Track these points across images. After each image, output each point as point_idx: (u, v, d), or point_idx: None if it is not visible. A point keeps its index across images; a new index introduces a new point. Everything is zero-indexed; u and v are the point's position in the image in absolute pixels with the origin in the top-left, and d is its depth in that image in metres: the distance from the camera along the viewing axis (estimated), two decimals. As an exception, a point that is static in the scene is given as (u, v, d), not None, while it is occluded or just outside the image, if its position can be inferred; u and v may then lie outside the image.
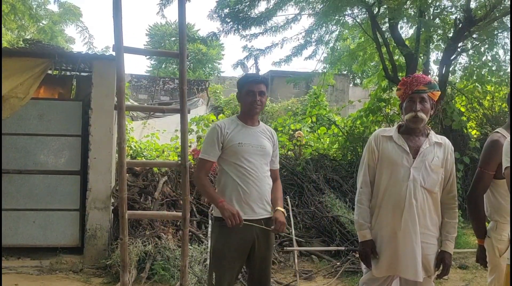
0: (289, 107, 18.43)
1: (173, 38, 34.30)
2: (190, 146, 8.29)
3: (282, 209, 3.36)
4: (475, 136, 9.45)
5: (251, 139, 3.31)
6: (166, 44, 35.70)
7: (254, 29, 8.56)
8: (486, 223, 3.23)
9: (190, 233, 6.00)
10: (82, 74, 6.95)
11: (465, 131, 8.94)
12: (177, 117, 3.10)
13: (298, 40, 9.05)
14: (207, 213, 6.68)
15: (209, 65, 38.35)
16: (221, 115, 10.55)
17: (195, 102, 17.49)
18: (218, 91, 21.86)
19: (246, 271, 3.46)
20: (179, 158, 3.14)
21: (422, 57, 8.29)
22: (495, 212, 3.13)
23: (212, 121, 9.33)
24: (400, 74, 8.29)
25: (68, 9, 15.46)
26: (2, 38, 12.24)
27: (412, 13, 7.83)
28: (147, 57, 41.26)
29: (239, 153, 3.24)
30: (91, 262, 5.90)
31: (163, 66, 36.79)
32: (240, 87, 3.38)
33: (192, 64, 35.78)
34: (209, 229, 6.16)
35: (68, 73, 7.21)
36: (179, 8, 2.84)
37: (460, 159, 8.10)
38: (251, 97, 3.29)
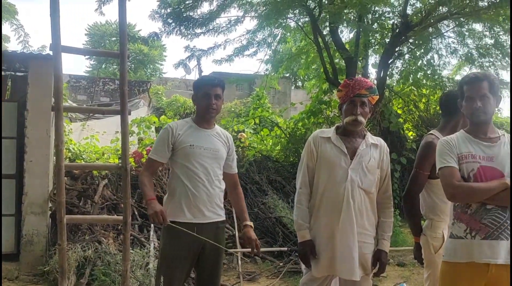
0: (232, 109, 18.42)
1: (113, 38, 33.56)
2: (131, 148, 8.12)
3: (250, 223, 3.37)
4: (411, 137, 9.79)
5: (204, 141, 3.28)
6: (106, 44, 34.87)
7: (197, 30, 8.51)
8: (422, 222, 3.35)
9: (132, 237, 5.88)
10: (18, 74, 6.67)
11: (402, 132, 9.26)
12: (117, 118, 3.04)
13: (241, 41, 9.08)
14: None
15: (151, 66, 37.73)
16: (163, 116, 10.39)
17: (136, 103, 17.16)
18: (160, 92, 21.54)
19: (195, 274, 3.43)
20: (120, 161, 3.07)
21: (361, 61, 8.51)
22: (430, 211, 3.25)
23: (154, 122, 9.19)
24: (341, 77, 8.47)
25: (2, 7, 14.83)
26: None
27: (352, 17, 8.02)
28: (86, 57, 40.10)
29: (190, 155, 3.20)
30: (27, 269, 5.66)
31: (103, 66, 35.88)
32: (196, 89, 3.33)
33: (133, 65, 35.09)
34: (151, 233, 6.07)
35: (2, 72, 6.90)
36: (120, 7, 2.78)
37: (398, 159, 8.36)
38: (206, 100, 3.26)
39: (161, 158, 3.27)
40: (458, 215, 2.73)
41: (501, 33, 7.92)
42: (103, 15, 7.70)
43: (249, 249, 3.43)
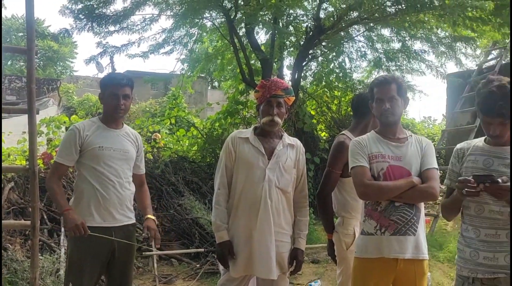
0: (147, 109, 18.04)
1: (20, 34, 31.72)
2: (39, 149, 7.71)
3: (153, 217, 3.30)
4: (324, 137, 10.09)
5: (113, 142, 3.17)
6: (12, 40, 32.88)
7: (110, 28, 8.22)
8: (335, 219, 3.45)
9: (41, 243, 5.58)
10: None
11: (316, 133, 9.51)
12: (24, 118, 2.85)
13: (156, 39, 8.89)
14: (59, 220, 6.27)
15: (61, 64, 36.05)
16: (73, 116, 9.96)
17: (45, 102, 16.34)
18: (70, 91, 20.65)
19: (105, 280, 3.31)
20: (27, 163, 2.89)
21: (276, 62, 8.63)
22: (341, 208, 3.35)
23: (64, 122, 8.78)
24: (257, 78, 8.55)
25: None
26: None
27: (267, 19, 8.12)
28: (-10, 52, 37.53)
29: (99, 157, 3.08)
30: None
31: (9, 63, 33.83)
32: (103, 88, 3.20)
33: (41, 62, 33.34)
34: (62, 237, 5.79)
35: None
36: (27, 1, 2.63)
37: (311, 159, 8.57)
38: (114, 100, 3.14)
39: (68, 162, 3.12)
40: (368, 212, 2.84)
41: (407, 38, 8.35)
42: (4, 8, 7.23)
43: (165, 252, 3.37)
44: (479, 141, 2.53)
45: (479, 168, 2.38)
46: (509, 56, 10.63)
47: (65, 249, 5.48)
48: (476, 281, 2.39)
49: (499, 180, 2.20)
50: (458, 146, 2.61)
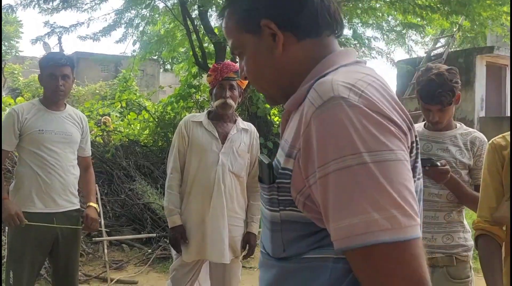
0: (97, 91, 17.60)
1: (-41, 10, 30.22)
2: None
3: (95, 205, 3.22)
4: (277, 122, 10.13)
5: (54, 125, 3.05)
6: (-49, 16, 31.29)
7: (57, 4, 7.90)
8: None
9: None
10: None
11: (269, 117, 9.53)
12: (-36, 100, 2.73)
13: (106, 20, 8.65)
14: None
15: (6, 43, 34.64)
16: (19, 98, 9.60)
17: (-12, 83, 15.69)
18: (16, 72, 19.88)
19: (50, 266, 3.22)
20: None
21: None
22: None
23: (10, 104, 8.45)
24: (210, 61, 8.48)
25: None
26: None
27: (221, 2, 8.03)
28: None
29: (39, 141, 2.96)
30: None
31: None
32: (42, 68, 3.07)
33: (-16, 41, 31.98)
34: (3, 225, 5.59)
35: None
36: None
37: (265, 144, 8.60)
38: (53, 81, 3.02)
39: (7, 146, 3.00)
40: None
41: (359, 24, 8.47)
42: None
43: (116, 237, 3.31)
44: (419, 127, 2.60)
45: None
46: (456, 44, 10.97)
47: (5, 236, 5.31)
48: None
49: (438, 163, 2.28)
50: None
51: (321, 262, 0.97)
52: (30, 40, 8.43)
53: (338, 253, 0.90)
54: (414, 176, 0.97)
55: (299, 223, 1.00)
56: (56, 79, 3.01)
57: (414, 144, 0.98)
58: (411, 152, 0.97)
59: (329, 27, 1.10)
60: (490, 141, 2.10)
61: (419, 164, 1.03)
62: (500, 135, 2.06)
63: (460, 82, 2.43)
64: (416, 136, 1.00)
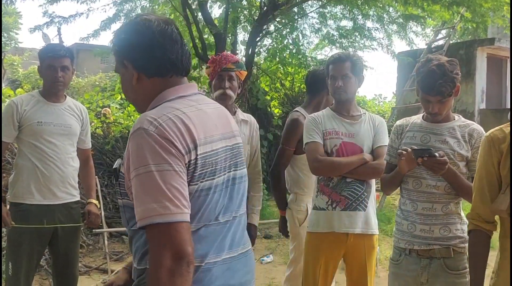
0: (97, 83, 17.54)
1: (-41, 1, 30.07)
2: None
3: (95, 201, 3.23)
4: (277, 114, 10.11)
5: (54, 117, 3.04)
6: (-50, 8, 31.14)
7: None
8: (287, 195, 3.48)
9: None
10: None
11: (269, 109, 9.52)
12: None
13: (106, 11, 8.59)
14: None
15: (5, 35, 34.50)
16: (19, 89, 9.57)
17: (-13, 74, 15.64)
18: (15, 64, 19.82)
19: (50, 257, 3.23)
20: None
21: (230, 37, 8.54)
22: (294, 185, 3.37)
23: (9, 96, 8.42)
24: (210, 52, 8.43)
25: None
26: None
27: (221, -7, 7.99)
28: None
29: (38, 133, 2.96)
30: None
31: None
32: (41, 60, 3.06)
33: (-17, 32, 31.85)
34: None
35: None
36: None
37: (265, 136, 8.60)
38: (52, 73, 3.01)
39: (6, 138, 3.00)
40: (321, 188, 2.88)
41: (359, 16, 8.42)
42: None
43: (116, 229, 3.32)
44: (417, 118, 2.60)
45: (417, 144, 2.45)
46: (457, 35, 10.92)
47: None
48: (412, 252, 2.48)
49: (436, 154, 2.28)
50: (398, 122, 2.67)
51: (140, 231, 1.46)
52: (29, 29, 8.36)
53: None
54: (199, 180, 1.45)
55: (130, 208, 1.47)
56: (55, 70, 3.00)
57: (194, 161, 1.44)
58: (189, 166, 1.43)
59: (176, 71, 1.58)
60: (486, 134, 2.09)
61: (205, 172, 1.47)
62: (498, 127, 2.06)
63: (460, 73, 2.42)
64: (198, 155, 1.44)
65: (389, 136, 2.85)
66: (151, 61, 1.54)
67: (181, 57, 1.58)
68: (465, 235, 2.45)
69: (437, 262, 2.42)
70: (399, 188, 2.60)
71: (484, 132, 2.42)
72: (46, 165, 2.98)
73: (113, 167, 1.69)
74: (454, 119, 2.53)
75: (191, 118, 1.47)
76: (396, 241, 2.56)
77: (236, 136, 1.69)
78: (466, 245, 2.45)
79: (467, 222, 2.50)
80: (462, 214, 2.51)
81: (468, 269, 2.43)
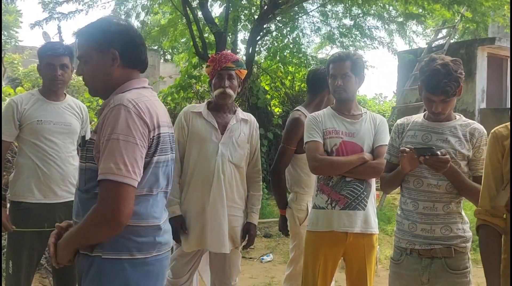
0: (98, 82, 17.52)
1: (-41, -1, 30.02)
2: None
3: None
4: (278, 113, 10.11)
5: (53, 116, 3.04)
6: (-50, 6, 31.09)
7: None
8: (287, 194, 3.48)
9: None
10: None
11: (269, 108, 9.51)
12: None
13: (105, 8, 8.59)
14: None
15: (5, 33, 34.45)
16: (19, 88, 9.55)
17: (-13, 73, 15.61)
18: (16, 62, 19.80)
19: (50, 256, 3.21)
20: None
21: (230, 36, 8.53)
22: (295, 184, 3.37)
23: (9, 94, 8.41)
24: (210, 51, 8.43)
25: None
26: None
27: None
28: None
29: (38, 132, 2.96)
30: None
31: None
32: (40, 58, 3.06)
33: (-17, 31, 31.77)
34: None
35: None
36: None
37: (265, 135, 8.59)
38: (51, 71, 3.01)
39: (7, 137, 3.00)
40: (320, 187, 2.88)
41: (360, 15, 8.42)
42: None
43: None
44: (418, 117, 2.59)
45: (418, 143, 2.44)
46: (458, 34, 10.91)
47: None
48: (413, 252, 2.47)
49: (438, 152, 2.27)
50: (398, 121, 2.66)
51: (91, 192, 1.79)
52: (29, 24, 8.33)
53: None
54: (154, 154, 1.82)
55: (92, 170, 1.78)
56: (54, 68, 3.00)
57: (157, 138, 1.82)
58: (152, 142, 1.80)
59: (142, 66, 1.98)
60: (492, 131, 2.08)
61: (160, 148, 1.84)
62: (503, 125, 2.05)
63: (464, 73, 2.41)
64: (160, 133, 1.84)
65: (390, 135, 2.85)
66: (134, 53, 1.91)
67: (145, 55, 1.98)
68: (467, 234, 2.45)
69: (438, 261, 2.41)
70: (399, 187, 2.59)
71: (485, 131, 2.42)
72: (46, 164, 2.98)
73: (82, 135, 2.18)
74: (456, 118, 2.52)
75: (154, 104, 1.86)
76: (397, 241, 2.56)
77: (171, 127, 2.03)
78: (468, 244, 2.45)
79: (468, 222, 2.50)
80: (463, 213, 2.50)
81: (469, 269, 2.43)
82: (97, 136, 1.77)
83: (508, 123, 2.04)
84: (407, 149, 2.34)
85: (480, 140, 2.43)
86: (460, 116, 2.56)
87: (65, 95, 3.20)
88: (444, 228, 2.42)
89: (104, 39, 1.85)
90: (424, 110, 2.56)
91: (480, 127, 2.49)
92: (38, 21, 8.19)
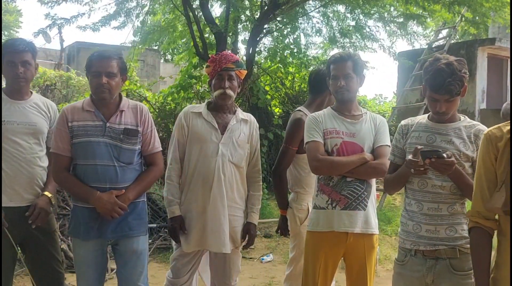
0: (98, 82, 17.51)
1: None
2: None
3: (49, 195, 3.01)
4: (278, 113, 10.10)
5: (17, 115, 2.91)
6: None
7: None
8: (289, 194, 3.48)
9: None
10: None
11: (270, 108, 9.50)
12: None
13: (107, 11, 8.57)
14: None
15: (5, 33, 34.44)
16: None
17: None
18: (16, 62, 19.80)
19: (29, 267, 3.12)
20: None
21: (231, 36, 8.53)
22: (296, 184, 3.37)
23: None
24: (211, 51, 8.42)
25: None
26: None
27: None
28: None
29: (1, 133, 2.83)
30: None
31: None
32: (2, 56, 2.91)
33: (-16, 30, 31.72)
34: None
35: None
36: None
37: (265, 135, 8.59)
38: (12, 69, 2.88)
39: None
40: (321, 187, 2.88)
41: (361, 15, 8.41)
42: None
43: None
44: (423, 118, 2.59)
45: (422, 144, 2.44)
46: (457, 35, 10.89)
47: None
48: (418, 253, 2.47)
49: (444, 155, 2.26)
50: (403, 122, 2.66)
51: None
52: (32, 33, 8.35)
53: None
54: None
55: (134, 151, 2.82)
56: (15, 66, 2.87)
57: None
58: None
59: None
60: (485, 132, 2.10)
61: None
62: (496, 126, 2.06)
63: (468, 73, 2.40)
64: None
65: (390, 135, 2.84)
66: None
67: None
68: None
69: (443, 262, 2.41)
70: (402, 188, 2.59)
71: None
72: (10, 166, 2.85)
73: (129, 128, 2.84)
74: (460, 120, 2.51)
75: None
76: (402, 242, 2.56)
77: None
78: None
79: None
80: None
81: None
82: (141, 129, 2.82)
83: (502, 124, 2.06)
84: (416, 162, 2.32)
85: None
86: (464, 117, 2.54)
87: (31, 93, 3.06)
88: (448, 229, 2.42)
89: (124, 67, 2.91)
90: (425, 111, 2.56)
91: (485, 128, 2.46)
92: (42, 29, 8.20)
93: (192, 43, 8.62)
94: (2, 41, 3.34)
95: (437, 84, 2.34)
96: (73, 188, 2.82)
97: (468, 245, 2.41)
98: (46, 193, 3.00)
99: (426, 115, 2.59)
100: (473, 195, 2.10)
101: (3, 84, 3.10)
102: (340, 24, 8.82)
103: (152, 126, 2.95)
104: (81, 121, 2.80)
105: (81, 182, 2.77)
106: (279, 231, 3.53)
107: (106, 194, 2.71)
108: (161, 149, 2.99)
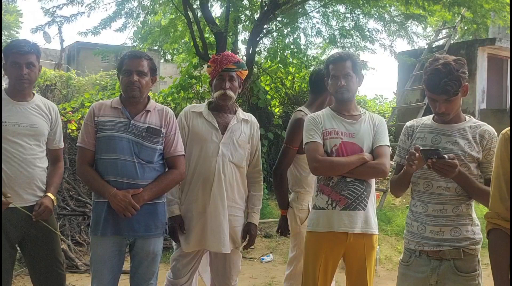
0: (98, 81, 17.51)
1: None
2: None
3: (53, 196, 3.03)
4: (278, 113, 10.10)
5: (19, 117, 2.91)
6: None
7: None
8: (289, 194, 3.48)
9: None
10: None
11: (270, 108, 9.50)
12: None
13: (107, 10, 8.55)
14: None
15: (5, 33, 34.43)
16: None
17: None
18: (16, 62, 19.76)
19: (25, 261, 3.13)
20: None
21: (231, 36, 8.52)
22: (296, 184, 3.37)
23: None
24: (211, 52, 8.42)
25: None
26: None
27: (222, -8, 7.98)
28: None
29: (2, 134, 2.84)
30: None
31: None
32: (5, 57, 2.93)
33: (-17, 30, 31.66)
34: None
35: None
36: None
37: (265, 135, 8.58)
38: (16, 70, 2.88)
39: None
40: (320, 187, 2.87)
41: (361, 16, 8.40)
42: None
43: None
44: (428, 119, 2.59)
45: (427, 145, 2.43)
46: (457, 35, 10.89)
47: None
48: (422, 254, 2.47)
49: (446, 156, 2.25)
50: (408, 123, 2.66)
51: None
52: (31, 29, 8.33)
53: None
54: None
55: (156, 150, 2.88)
56: (19, 67, 2.88)
57: None
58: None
59: None
60: (502, 132, 2.04)
61: None
62: None
63: (467, 72, 2.39)
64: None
65: (389, 135, 2.84)
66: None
67: None
68: (476, 237, 2.44)
69: (447, 263, 2.41)
70: (408, 190, 2.59)
71: (495, 133, 2.39)
72: (10, 166, 2.86)
73: (152, 127, 2.91)
74: (465, 120, 2.50)
75: None
76: (407, 243, 2.56)
77: None
78: (477, 247, 2.43)
79: (479, 224, 2.48)
80: (474, 215, 2.48)
81: (478, 272, 2.41)
82: (166, 131, 2.87)
83: None
84: (417, 154, 2.32)
85: (491, 142, 2.41)
86: (470, 117, 2.54)
87: (33, 94, 3.07)
88: (453, 230, 2.41)
89: (155, 69, 3.04)
90: (425, 111, 2.56)
91: (491, 128, 2.46)
92: (40, 26, 8.17)
93: (192, 43, 8.62)
94: (2, 41, 3.33)
95: (434, 84, 2.34)
96: (92, 181, 2.84)
97: (473, 246, 2.41)
98: (49, 194, 3.03)
99: (431, 116, 2.59)
100: (491, 196, 2.04)
101: (4, 85, 3.09)
102: (340, 24, 8.82)
103: (176, 129, 2.98)
104: (107, 116, 2.86)
105: (100, 177, 2.81)
106: (279, 231, 3.53)
107: (122, 192, 2.73)
108: (183, 153, 2.99)
